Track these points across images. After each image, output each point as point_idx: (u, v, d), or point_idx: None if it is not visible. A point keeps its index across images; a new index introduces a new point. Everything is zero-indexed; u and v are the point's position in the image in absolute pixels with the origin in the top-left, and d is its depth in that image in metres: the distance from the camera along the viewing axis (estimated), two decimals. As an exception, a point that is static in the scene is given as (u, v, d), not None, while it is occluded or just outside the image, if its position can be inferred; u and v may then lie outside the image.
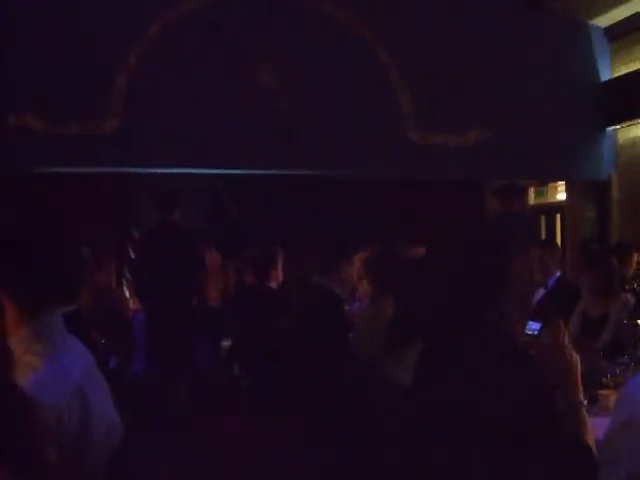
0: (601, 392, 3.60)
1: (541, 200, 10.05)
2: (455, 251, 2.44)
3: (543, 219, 9.90)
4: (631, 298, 4.92)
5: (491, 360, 2.13)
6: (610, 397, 3.53)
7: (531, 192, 10.11)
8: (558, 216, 9.50)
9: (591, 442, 2.21)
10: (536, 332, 2.93)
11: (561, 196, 9.42)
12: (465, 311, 2.25)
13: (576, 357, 2.35)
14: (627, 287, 5.64)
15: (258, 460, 5.09)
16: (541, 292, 5.91)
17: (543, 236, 9.59)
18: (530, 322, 3.22)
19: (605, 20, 8.03)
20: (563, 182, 9.16)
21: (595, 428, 2.40)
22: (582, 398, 2.31)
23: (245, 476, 5.05)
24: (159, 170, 7.38)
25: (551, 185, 9.71)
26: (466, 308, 2.25)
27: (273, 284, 6.67)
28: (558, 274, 6.03)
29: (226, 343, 7.60)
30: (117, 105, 6.75)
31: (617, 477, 1.62)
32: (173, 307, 7.23)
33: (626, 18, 7.79)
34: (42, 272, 2.09)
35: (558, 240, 9.36)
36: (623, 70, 7.96)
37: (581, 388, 2.33)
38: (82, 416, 2.04)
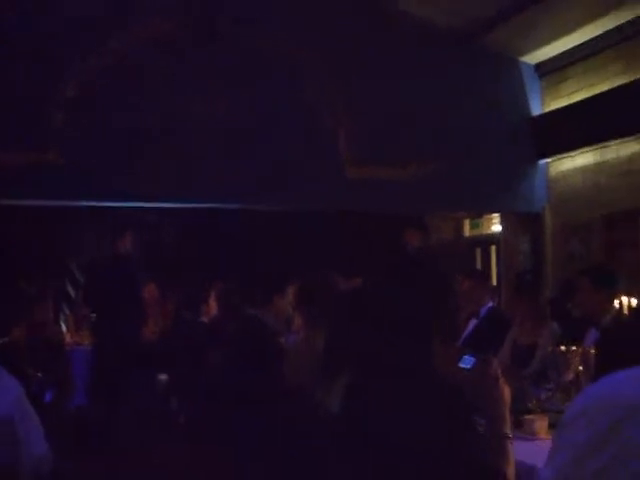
0: (526, 417, 3.69)
1: (476, 232, 10.21)
2: (379, 284, 2.50)
3: (478, 251, 10.05)
4: (557, 327, 5.04)
5: (412, 391, 2.19)
6: (534, 422, 3.63)
7: (466, 224, 10.28)
8: (493, 248, 9.66)
9: (511, 475, 2.28)
10: (469, 366, 3.02)
11: (496, 228, 9.59)
12: (389, 344, 2.31)
13: (507, 391, 2.42)
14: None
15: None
16: (473, 322, 6.01)
17: (478, 267, 9.73)
18: (464, 356, 3.31)
19: (535, 57, 8.28)
20: (498, 214, 9.36)
21: (519, 451, 2.48)
22: (508, 430, 2.37)
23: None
24: (98, 204, 7.36)
25: (486, 217, 9.88)
26: (390, 340, 2.31)
27: (205, 318, 6.67)
28: (490, 304, 6.13)
29: (163, 377, 7.56)
30: (56, 138, 6.72)
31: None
32: (121, 342, 7.26)
33: (554, 56, 8.05)
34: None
35: (493, 271, 9.52)
36: (553, 105, 8.19)
37: (508, 420, 2.40)
38: (11, 447, 2.04)
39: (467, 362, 2.98)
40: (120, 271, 7.60)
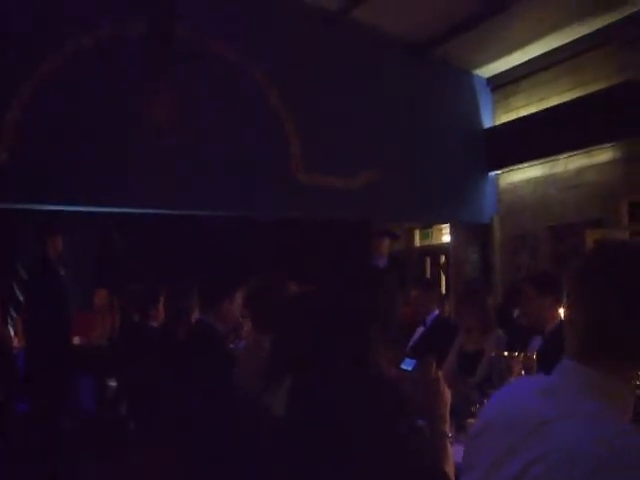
0: (469, 421, 3.75)
1: (426, 242, 10.33)
2: (323, 289, 2.55)
3: (428, 260, 10.17)
4: (503, 334, 5.10)
5: (353, 392, 2.24)
6: (476, 426, 3.68)
7: (417, 234, 10.39)
8: (443, 257, 9.77)
9: (450, 470, 2.33)
10: (410, 368, 3.10)
11: (446, 238, 9.69)
12: (330, 346, 2.35)
13: (447, 391, 2.48)
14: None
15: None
16: (420, 330, 6.07)
17: (428, 277, 9.84)
18: (406, 359, 3.39)
19: (488, 71, 8.44)
20: (448, 225, 9.46)
21: (460, 453, 2.53)
22: (447, 429, 2.44)
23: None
24: (48, 207, 7.27)
25: (436, 227, 10.00)
26: (331, 343, 2.36)
27: (154, 322, 6.62)
28: (437, 312, 6.19)
29: (113, 383, 7.50)
30: (7, 139, 6.64)
31: None
32: (50, 347, 7.17)
33: (506, 70, 8.21)
34: None
35: (443, 281, 9.63)
36: (504, 119, 8.35)
37: (448, 420, 2.46)
38: None
39: (408, 364, 3.07)
40: (46, 277, 7.52)
